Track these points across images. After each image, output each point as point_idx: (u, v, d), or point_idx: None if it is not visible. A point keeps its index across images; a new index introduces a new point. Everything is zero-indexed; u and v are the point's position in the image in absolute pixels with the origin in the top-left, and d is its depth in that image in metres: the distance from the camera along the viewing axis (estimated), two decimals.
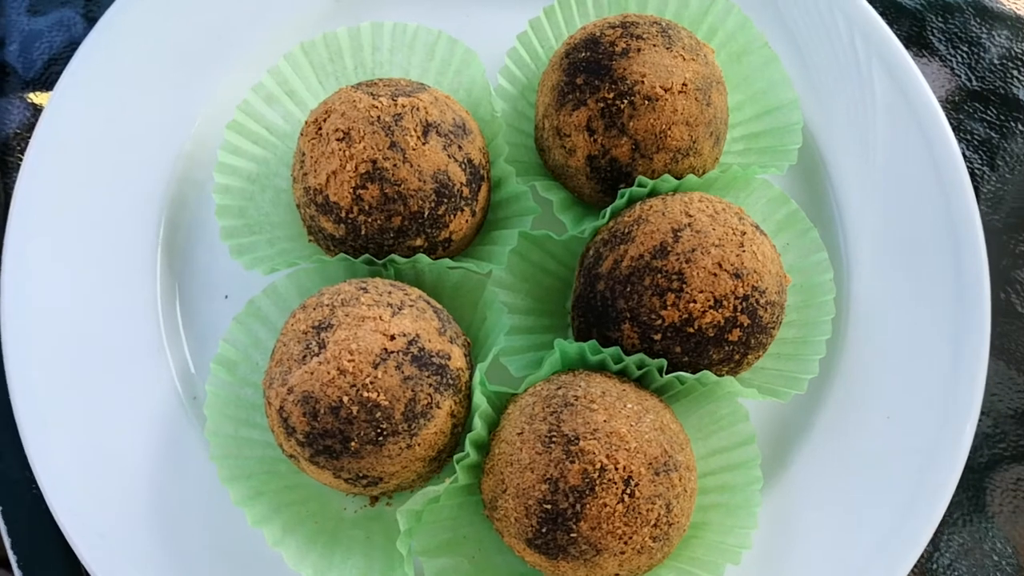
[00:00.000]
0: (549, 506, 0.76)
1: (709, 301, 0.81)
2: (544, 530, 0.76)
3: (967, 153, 1.15)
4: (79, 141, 1.02)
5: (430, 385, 0.80)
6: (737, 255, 0.83)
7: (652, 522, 0.77)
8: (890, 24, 1.09)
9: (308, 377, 0.78)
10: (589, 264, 0.88)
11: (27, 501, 0.97)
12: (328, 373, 0.78)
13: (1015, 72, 1.20)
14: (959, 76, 1.19)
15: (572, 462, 0.75)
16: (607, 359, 0.85)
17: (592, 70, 0.90)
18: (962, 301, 0.97)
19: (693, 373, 0.84)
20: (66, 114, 1.03)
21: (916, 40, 1.21)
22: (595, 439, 0.76)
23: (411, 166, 0.86)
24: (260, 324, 0.93)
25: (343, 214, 0.87)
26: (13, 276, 0.96)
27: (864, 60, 1.07)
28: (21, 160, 1.08)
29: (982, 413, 0.94)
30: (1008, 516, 1.01)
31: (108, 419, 0.93)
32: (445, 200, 0.88)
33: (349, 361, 0.78)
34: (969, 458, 0.93)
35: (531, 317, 0.96)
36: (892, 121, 1.05)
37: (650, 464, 0.77)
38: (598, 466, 0.75)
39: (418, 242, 0.89)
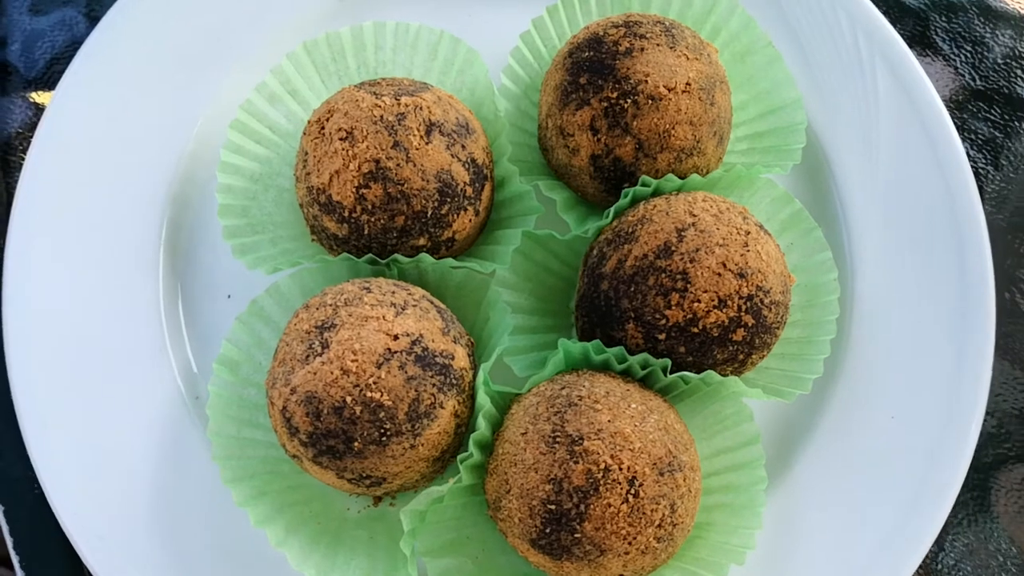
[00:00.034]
0: (553, 506, 0.76)
1: (713, 301, 0.81)
2: (548, 530, 0.76)
3: (971, 152, 1.15)
4: (81, 141, 1.02)
5: (433, 385, 0.80)
6: (741, 255, 0.82)
7: (656, 522, 0.76)
8: (894, 23, 1.09)
9: (311, 377, 0.78)
10: (593, 264, 0.88)
11: (29, 501, 0.97)
12: (331, 373, 0.77)
13: (1019, 71, 1.19)
14: (963, 75, 1.19)
15: (576, 462, 0.75)
16: (611, 359, 0.85)
17: (596, 69, 0.90)
18: (966, 300, 0.97)
19: (697, 373, 0.84)
20: (68, 114, 1.03)
21: (920, 39, 1.21)
22: (599, 439, 0.76)
23: (414, 165, 0.86)
24: (263, 324, 0.93)
25: (346, 213, 0.87)
26: (15, 276, 0.96)
27: (868, 59, 1.07)
28: (23, 160, 1.08)
29: (986, 413, 0.94)
30: (1013, 516, 1.01)
31: (110, 419, 0.93)
32: (448, 200, 0.88)
33: (352, 361, 0.77)
34: (973, 458, 0.93)
35: (535, 317, 0.95)
36: (896, 120, 1.05)
37: (654, 464, 0.76)
38: (602, 466, 0.75)
39: (421, 242, 0.89)
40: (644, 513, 0.76)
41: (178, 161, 1.04)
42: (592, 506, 0.75)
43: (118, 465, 0.92)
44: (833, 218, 1.05)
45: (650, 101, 0.88)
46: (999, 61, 1.20)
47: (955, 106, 1.18)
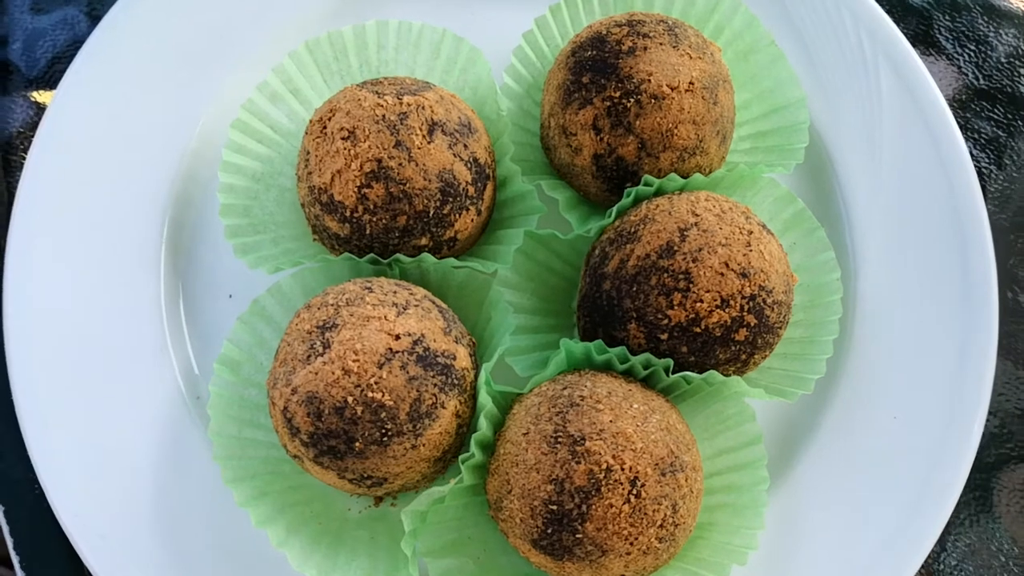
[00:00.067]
0: (555, 507, 0.75)
1: (716, 301, 0.81)
2: (550, 531, 0.76)
3: (974, 152, 1.15)
4: (82, 140, 1.02)
5: (435, 385, 0.79)
6: (744, 254, 0.82)
7: (658, 523, 0.76)
8: (897, 22, 1.09)
9: (312, 377, 0.78)
10: (595, 263, 0.88)
11: (29, 501, 0.97)
12: (333, 373, 0.77)
13: (1022, 70, 1.19)
14: (966, 74, 1.19)
15: (578, 463, 0.75)
16: (613, 359, 0.85)
17: (598, 69, 0.90)
18: (969, 300, 0.97)
19: (699, 373, 0.84)
20: (69, 113, 1.02)
21: (923, 38, 1.21)
22: (601, 439, 0.76)
23: (416, 165, 0.85)
24: (264, 324, 0.93)
25: (348, 213, 0.87)
26: (16, 275, 0.96)
27: (871, 58, 1.07)
28: (24, 159, 1.07)
29: (989, 413, 0.93)
30: (1015, 516, 1.01)
31: (111, 419, 0.93)
32: (450, 199, 0.87)
33: (354, 361, 0.77)
34: (976, 458, 0.92)
35: (536, 317, 0.95)
36: (899, 119, 1.04)
37: (656, 464, 0.76)
38: (604, 467, 0.75)
39: (423, 241, 0.89)
40: (646, 513, 0.76)
41: (180, 160, 1.04)
42: (594, 506, 0.75)
43: (119, 465, 0.92)
44: (836, 218, 1.04)
45: (653, 100, 0.88)
46: (1003, 60, 1.20)
47: (958, 105, 1.17)
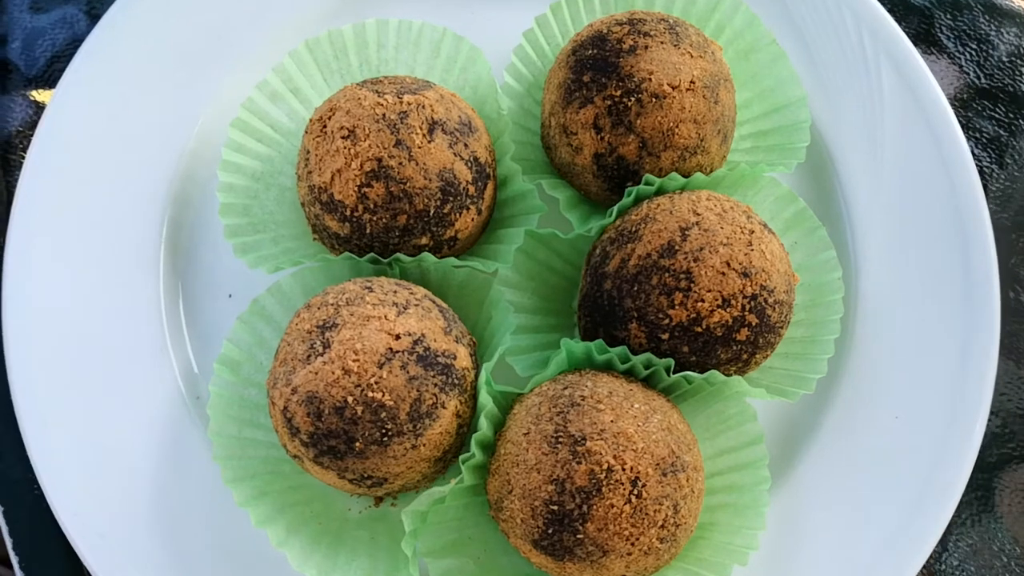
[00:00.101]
0: (555, 507, 0.75)
1: (717, 300, 0.81)
2: (550, 531, 0.76)
3: (976, 151, 1.15)
4: (82, 139, 1.02)
5: (435, 385, 0.79)
6: (745, 254, 0.82)
7: (659, 523, 0.76)
8: (898, 21, 1.09)
9: (312, 377, 0.78)
10: (596, 263, 0.88)
11: (28, 501, 0.97)
12: (333, 373, 0.77)
13: None
14: (967, 73, 1.19)
15: (579, 463, 0.75)
16: (614, 359, 0.85)
17: (599, 67, 0.89)
18: (971, 299, 0.97)
19: (701, 373, 0.84)
20: (69, 112, 1.02)
21: (924, 37, 1.20)
22: (602, 439, 0.76)
23: (417, 164, 0.85)
24: (264, 323, 0.93)
25: (348, 212, 0.87)
26: (15, 275, 0.96)
27: (872, 57, 1.07)
28: (23, 158, 1.07)
29: (991, 412, 0.93)
30: (1017, 516, 1.01)
31: (110, 419, 0.93)
32: (451, 198, 0.87)
33: (354, 361, 0.77)
34: (978, 458, 0.92)
35: (537, 316, 0.95)
36: (900, 119, 1.04)
37: (657, 465, 0.76)
38: (605, 467, 0.75)
39: (423, 241, 0.88)
40: (647, 514, 0.75)
41: (179, 159, 1.04)
42: (595, 507, 0.74)
43: (118, 465, 0.91)
44: (837, 217, 1.04)
45: (654, 99, 0.88)
46: (1004, 59, 1.19)
47: (960, 104, 1.17)
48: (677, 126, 0.88)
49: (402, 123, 0.86)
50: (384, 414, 0.77)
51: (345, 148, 0.86)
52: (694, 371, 0.84)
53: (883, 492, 0.92)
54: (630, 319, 0.83)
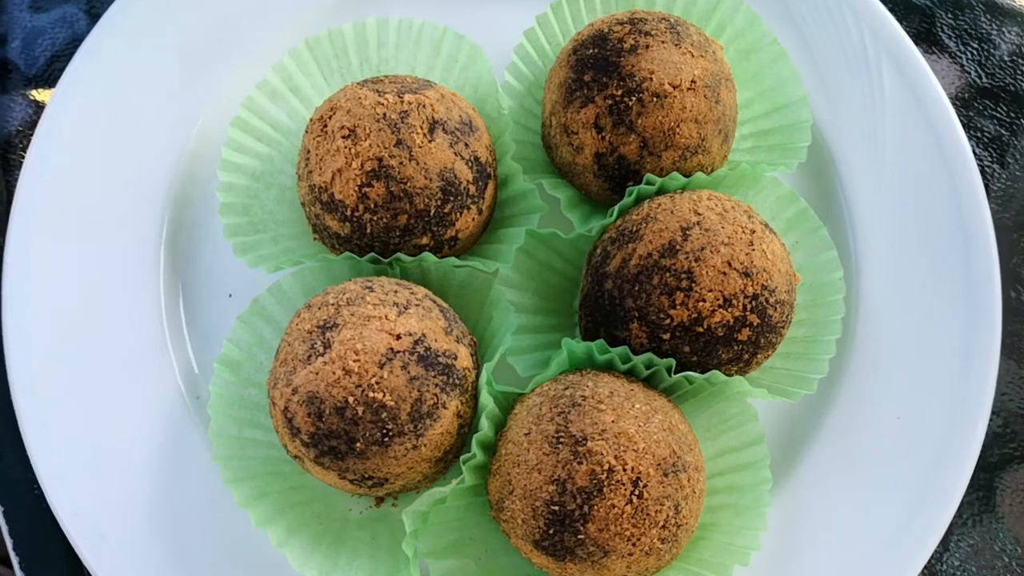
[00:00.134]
0: (556, 507, 0.75)
1: (718, 300, 0.81)
2: (551, 531, 0.76)
3: (977, 150, 1.15)
4: (82, 139, 1.02)
5: (436, 385, 0.79)
6: (747, 254, 0.82)
7: (660, 523, 0.76)
8: (899, 20, 1.08)
9: (313, 377, 0.78)
10: (597, 263, 0.88)
11: (29, 502, 0.97)
12: (333, 373, 0.77)
13: None
14: (969, 73, 1.19)
15: (580, 463, 0.75)
16: (615, 359, 0.84)
17: (600, 67, 0.89)
18: (972, 299, 0.97)
19: (702, 373, 0.84)
20: (68, 111, 1.02)
21: (926, 36, 1.20)
22: (603, 440, 0.75)
23: (417, 164, 0.85)
24: (264, 323, 0.92)
25: (348, 212, 0.86)
26: (15, 275, 0.96)
27: (873, 56, 1.06)
28: (23, 158, 1.07)
29: (992, 412, 0.93)
30: (1018, 516, 1.01)
31: (110, 419, 0.93)
32: (451, 198, 0.87)
33: (355, 361, 0.77)
34: (979, 458, 0.92)
35: (538, 316, 0.95)
36: (902, 118, 1.04)
37: (659, 465, 0.76)
38: (606, 467, 0.75)
39: (424, 240, 0.88)
40: (648, 514, 0.75)
41: (179, 159, 1.03)
42: (596, 507, 0.74)
43: (118, 465, 0.91)
44: (838, 216, 1.04)
45: (655, 99, 0.87)
46: (1005, 58, 1.19)
47: (961, 104, 1.17)
48: (678, 126, 0.88)
49: (403, 122, 0.86)
50: (385, 414, 0.77)
51: (346, 148, 0.85)
52: (695, 371, 0.84)
53: (884, 492, 0.92)
54: (631, 319, 0.83)
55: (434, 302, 0.85)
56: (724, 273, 0.81)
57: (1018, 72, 1.19)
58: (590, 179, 0.94)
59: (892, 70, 1.06)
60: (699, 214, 0.84)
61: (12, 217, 0.98)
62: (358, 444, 0.77)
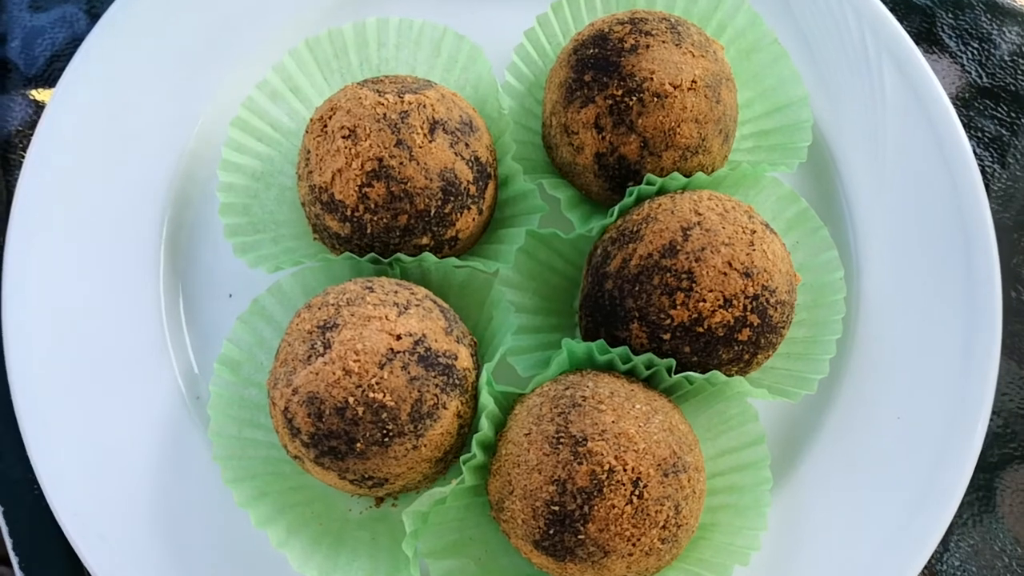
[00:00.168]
0: (557, 508, 0.75)
1: (719, 300, 0.81)
2: (551, 532, 0.76)
3: (977, 150, 1.15)
4: (81, 138, 1.02)
5: (436, 385, 0.79)
6: (747, 254, 0.82)
7: (661, 524, 0.76)
8: (900, 20, 1.08)
9: (313, 378, 0.78)
10: (597, 263, 0.88)
11: (28, 502, 0.97)
12: (333, 373, 0.77)
13: None
14: (969, 73, 1.19)
15: (580, 463, 0.75)
16: (615, 359, 0.84)
17: (600, 67, 0.89)
18: (973, 299, 0.97)
19: (702, 373, 0.84)
20: (68, 111, 1.02)
21: (926, 36, 1.20)
22: (603, 440, 0.75)
23: (418, 164, 0.85)
24: (265, 323, 0.92)
25: (348, 212, 0.86)
26: (15, 274, 0.96)
27: (874, 56, 1.06)
28: (23, 158, 1.07)
29: (992, 412, 0.93)
30: (1019, 516, 1.01)
31: (110, 419, 0.93)
32: (452, 198, 0.87)
33: (355, 361, 0.77)
34: (979, 458, 0.92)
35: (538, 316, 0.95)
36: (902, 118, 1.04)
37: (659, 465, 0.76)
38: (606, 467, 0.74)
39: (424, 240, 0.88)
40: (648, 514, 0.75)
41: (179, 159, 1.03)
42: (596, 507, 0.74)
43: (118, 465, 0.91)
44: (839, 216, 1.04)
45: (655, 99, 0.87)
46: (1006, 58, 1.19)
47: (962, 104, 1.17)
48: (679, 125, 0.88)
49: (403, 123, 0.86)
50: (385, 415, 0.77)
51: (346, 148, 0.85)
52: (696, 371, 0.84)
53: (884, 492, 0.92)
54: (631, 319, 0.83)
55: (434, 302, 0.85)
56: (725, 273, 0.81)
57: (1018, 72, 1.18)
58: (590, 179, 0.94)
59: (893, 70, 1.06)
60: (700, 214, 0.84)
61: (12, 217, 0.98)
62: (358, 444, 0.77)
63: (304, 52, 1.01)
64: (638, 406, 0.79)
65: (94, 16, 1.19)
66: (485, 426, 0.81)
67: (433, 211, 0.86)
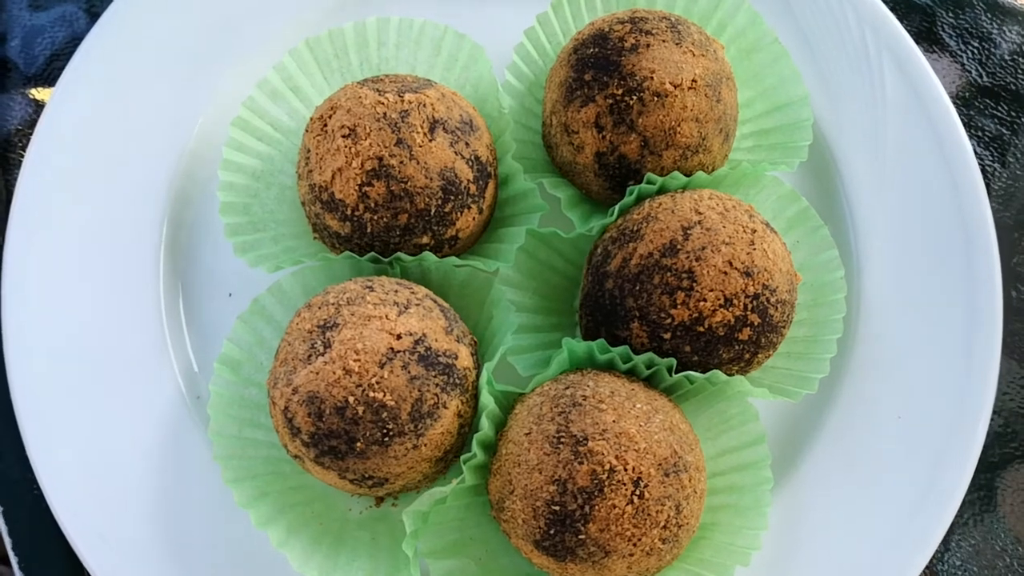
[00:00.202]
0: (557, 507, 0.75)
1: (719, 300, 0.81)
2: (552, 532, 0.76)
3: (978, 150, 1.15)
4: (81, 138, 1.01)
5: (437, 385, 0.79)
6: (748, 253, 0.82)
7: (661, 524, 0.76)
8: (900, 19, 1.09)
9: (313, 377, 0.77)
10: (597, 262, 0.88)
11: (28, 502, 0.97)
12: (334, 373, 0.77)
13: None
14: (969, 72, 1.19)
15: (580, 463, 0.75)
16: (616, 358, 0.84)
17: (601, 66, 0.89)
18: (973, 299, 0.97)
19: (703, 372, 0.84)
20: (68, 111, 1.02)
21: (926, 35, 1.20)
22: (604, 440, 0.75)
23: (418, 163, 0.85)
24: (265, 323, 0.92)
25: (349, 212, 0.86)
26: (14, 274, 0.96)
27: (874, 55, 1.06)
28: (23, 157, 1.07)
29: (993, 412, 0.93)
30: (1020, 516, 1.00)
31: (110, 419, 0.93)
32: (452, 197, 0.87)
33: (355, 361, 0.77)
34: (980, 457, 0.92)
35: (539, 316, 0.95)
36: (903, 117, 1.04)
37: (659, 465, 0.76)
38: (607, 467, 0.74)
39: (424, 240, 0.88)
40: (649, 514, 0.75)
41: (179, 158, 1.03)
42: (597, 507, 0.74)
43: (118, 465, 0.91)
44: (839, 216, 1.04)
45: (656, 98, 0.87)
46: (1006, 58, 1.19)
47: (962, 103, 1.17)
48: (679, 125, 0.88)
49: (403, 122, 0.85)
50: (385, 414, 0.77)
51: (346, 147, 0.85)
52: (696, 371, 0.84)
53: (885, 492, 0.92)
54: (632, 318, 0.83)
55: (435, 302, 0.85)
56: (725, 272, 0.81)
57: (1019, 71, 1.18)
58: (591, 178, 0.93)
59: (893, 69, 1.06)
60: (700, 213, 0.84)
61: (12, 216, 0.98)
62: (358, 444, 0.77)
63: (304, 52, 1.01)
64: (639, 405, 0.79)
65: (94, 15, 1.19)
66: (485, 425, 0.81)
67: (433, 210, 0.86)
